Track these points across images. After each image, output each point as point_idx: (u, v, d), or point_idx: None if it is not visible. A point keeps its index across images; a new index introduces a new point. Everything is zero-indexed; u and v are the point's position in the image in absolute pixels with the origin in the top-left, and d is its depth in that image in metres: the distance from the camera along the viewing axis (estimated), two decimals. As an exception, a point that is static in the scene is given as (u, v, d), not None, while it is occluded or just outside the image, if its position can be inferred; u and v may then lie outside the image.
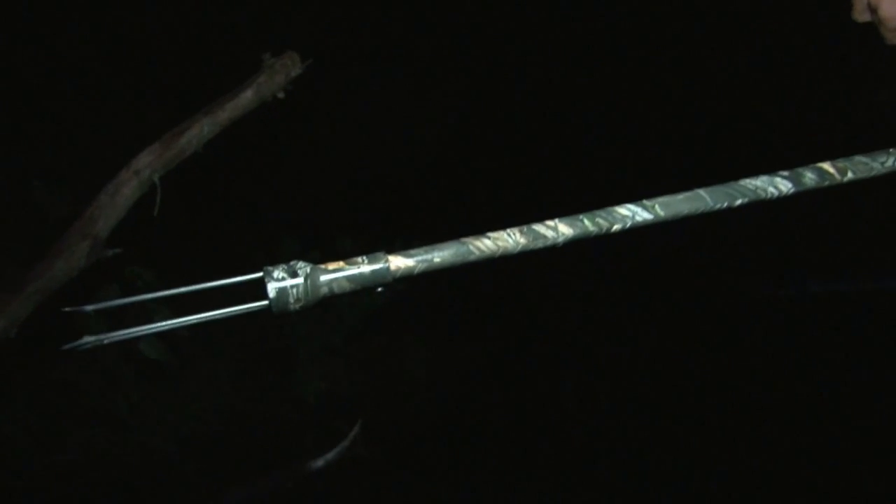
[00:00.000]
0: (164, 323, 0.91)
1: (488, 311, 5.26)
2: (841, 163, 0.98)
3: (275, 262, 0.90)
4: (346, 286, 0.90)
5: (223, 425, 4.07)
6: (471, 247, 0.91)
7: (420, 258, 0.91)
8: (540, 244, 0.92)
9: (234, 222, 4.53)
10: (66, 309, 0.92)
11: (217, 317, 0.91)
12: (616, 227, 0.93)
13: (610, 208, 0.94)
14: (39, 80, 3.56)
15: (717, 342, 4.84)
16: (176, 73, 3.50)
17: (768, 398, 4.47)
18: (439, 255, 0.91)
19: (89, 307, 0.88)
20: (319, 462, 3.46)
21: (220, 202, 4.38)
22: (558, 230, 0.92)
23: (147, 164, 2.24)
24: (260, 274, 0.88)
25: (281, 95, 2.56)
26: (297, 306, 0.88)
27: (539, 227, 0.93)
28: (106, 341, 0.88)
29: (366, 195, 4.94)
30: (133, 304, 0.96)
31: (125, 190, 2.19)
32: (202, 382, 4.24)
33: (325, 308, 4.71)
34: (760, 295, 5.05)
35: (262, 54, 2.54)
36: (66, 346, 0.89)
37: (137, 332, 0.89)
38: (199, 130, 2.37)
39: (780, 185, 0.96)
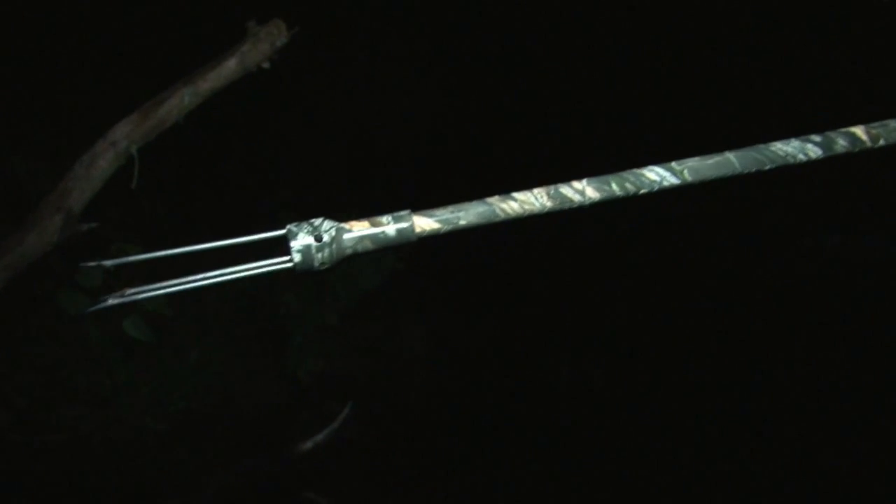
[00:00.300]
0: (186, 279, 0.87)
1: (487, 290, 5.18)
2: (875, 128, 0.93)
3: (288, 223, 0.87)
4: (370, 246, 0.87)
5: (215, 405, 4.00)
6: (496, 208, 0.88)
7: (445, 218, 0.88)
8: (566, 206, 0.90)
9: (222, 196, 4.43)
10: (86, 264, 0.89)
11: (240, 275, 0.87)
12: (643, 190, 0.90)
13: (638, 171, 0.91)
14: (16, 49, 3.44)
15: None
16: (156, 41, 3.38)
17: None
18: (464, 216, 0.88)
19: (108, 262, 0.87)
20: (308, 444, 3.38)
21: (208, 175, 4.29)
22: (585, 193, 0.89)
23: (124, 135, 2.14)
24: (283, 231, 0.85)
25: (266, 65, 2.46)
26: (321, 265, 0.86)
27: (565, 190, 0.89)
28: (128, 300, 0.86)
29: (359, 170, 4.84)
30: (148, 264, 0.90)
31: (101, 162, 2.10)
32: (195, 362, 4.17)
33: (320, 286, 4.64)
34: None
35: (246, 22, 2.45)
36: (90, 309, 0.87)
37: (159, 289, 0.86)
38: (180, 100, 2.28)
39: (810, 150, 0.92)
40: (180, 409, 3.70)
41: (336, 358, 4.58)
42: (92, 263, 0.89)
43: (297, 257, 0.85)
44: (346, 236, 0.86)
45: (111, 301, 0.85)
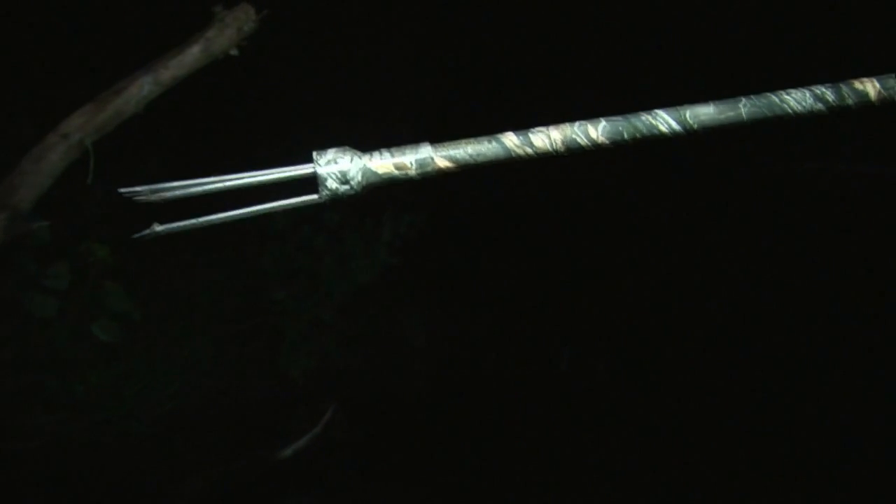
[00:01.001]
0: (224, 214, 0.87)
1: (485, 283, 5.01)
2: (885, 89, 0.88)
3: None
4: (390, 162, 0.88)
5: (205, 406, 3.86)
6: (506, 142, 0.89)
7: (460, 152, 0.89)
8: (570, 136, 0.89)
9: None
10: (123, 191, 0.87)
11: (271, 209, 0.88)
12: (663, 129, 0.89)
13: (644, 113, 0.89)
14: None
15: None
16: (114, 26, 3.19)
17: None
18: (479, 151, 0.89)
19: (146, 189, 0.86)
20: (288, 450, 3.22)
21: (174, 169, 4.14)
22: (588, 133, 0.89)
23: (78, 127, 1.99)
24: (311, 165, 0.86)
25: (234, 52, 2.30)
26: (347, 195, 0.87)
27: (574, 128, 0.90)
28: (176, 229, 0.87)
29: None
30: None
31: (51, 156, 1.94)
32: (183, 361, 4.04)
33: (313, 279, 4.49)
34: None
35: (212, 6, 2.29)
36: (136, 235, 0.88)
37: (190, 225, 0.87)
38: (139, 90, 2.12)
39: (821, 101, 0.89)
40: (167, 410, 3.56)
41: (331, 355, 4.43)
42: (129, 190, 0.87)
43: (324, 193, 0.86)
44: (369, 167, 0.87)
45: (157, 230, 0.85)
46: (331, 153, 0.87)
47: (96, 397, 3.09)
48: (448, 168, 0.89)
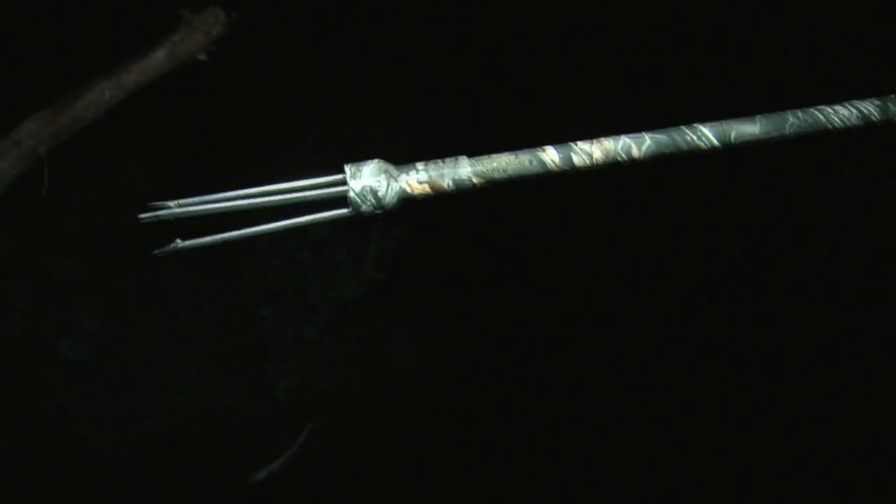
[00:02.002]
0: (251, 230, 0.84)
1: (478, 301, 4.86)
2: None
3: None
4: (426, 182, 0.84)
5: (185, 425, 3.70)
6: (541, 155, 0.85)
7: (499, 173, 0.86)
8: (612, 156, 0.86)
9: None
10: (143, 216, 0.84)
11: (299, 224, 0.84)
12: (703, 144, 0.86)
13: (681, 126, 0.86)
14: None
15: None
16: (74, 28, 3.04)
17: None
18: (519, 172, 0.86)
19: (172, 204, 0.83)
20: (261, 474, 3.05)
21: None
22: (632, 154, 0.86)
23: (31, 134, 1.85)
24: (342, 175, 0.83)
25: (202, 58, 2.17)
26: (377, 200, 0.83)
27: (608, 141, 0.86)
28: (200, 245, 0.83)
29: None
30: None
31: (2, 164, 1.81)
32: (164, 378, 3.88)
33: (298, 296, 4.35)
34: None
35: (179, 8, 2.16)
36: (158, 251, 0.85)
37: (227, 237, 0.84)
38: (99, 95, 1.98)
39: (866, 116, 0.87)
40: (143, 431, 3.40)
41: (316, 373, 4.28)
42: (158, 203, 0.83)
43: (354, 193, 0.82)
44: (401, 177, 0.84)
45: (180, 246, 0.83)
46: (363, 169, 0.83)
47: (72, 417, 2.93)
48: (486, 185, 0.86)
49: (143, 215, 0.83)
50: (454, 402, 4.47)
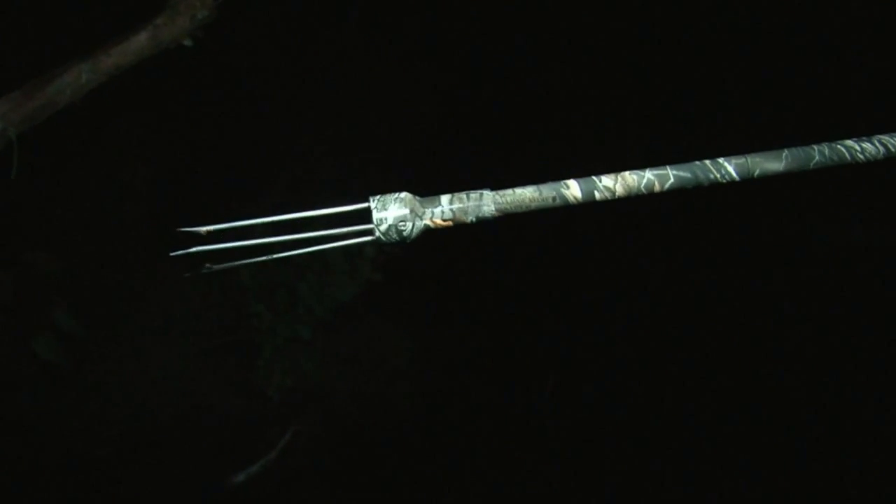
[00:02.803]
0: (278, 255, 0.87)
1: (467, 300, 4.73)
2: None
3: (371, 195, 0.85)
4: (449, 219, 0.85)
5: (173, 425, 3.59)
6: (564, 191, 0.85)
7: (514, 197, 0.85)
8: (634, 192, 0.85)
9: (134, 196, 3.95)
10: (183, 229, 0.86)
11: (325, 248, 0.86)
12: (714, 176, 0.85)
13: (706, 162, 0.86)
14: None
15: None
16: (53, 9, 2.92)
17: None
18: (535, 196, 0.85)
19: (203, 229, 0.85)
20: (240, 477, 2.93)
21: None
22: (654, 189, 0.85)
23: (1, 116, 1.75)
24: (367, 204, 0.84)
25: (188, 43, 2.06)
26: (401, 237, 0.84)
27: (630, 176, 0.85)
28: (226, 267, 0.86)
29: (332, 173, 4.42)
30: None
31: (-32, 146, 1.70)
32: (151, 377, 3.77)
33: (292, 295, 4.23)
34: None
35: (164, -9, 2.05)
36: (188, 274, 0.88)
37: (255, 260, 0.87)
38: (76, 78, 1.87)
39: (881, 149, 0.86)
40: (128, 430, 3.28)
41: (308, 373, 4.16)
42: (190, 230, 0.85)
43: (379, 232, 0.84)
44: (426, 209, 0.84)
45: (210, 268, 0.84)
46: (389, 204, 0.83)
47: (46, 417, 2.81)
48: (503, 206, 0.85)
49: (174, 253, 0.84)
50: (447, 406, 4.36)
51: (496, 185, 0.87)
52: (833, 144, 0.85)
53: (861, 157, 0.85)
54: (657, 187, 0.84)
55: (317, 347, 4.22)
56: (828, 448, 3.62)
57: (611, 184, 0.84)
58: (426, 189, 0.90)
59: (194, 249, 0.83)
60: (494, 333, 4.61)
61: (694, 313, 4.34)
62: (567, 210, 0.88)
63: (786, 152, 0.85)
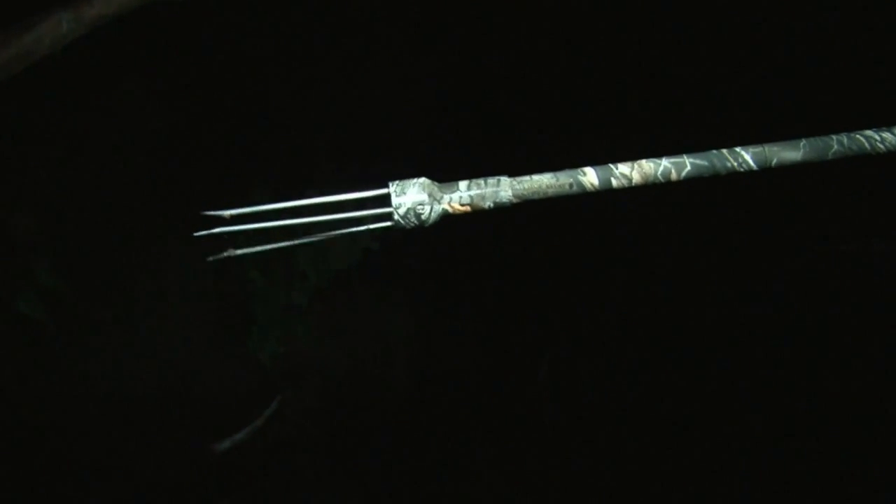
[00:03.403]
0: (298, 241, 0.89)
1: (477, 274, 4.62)
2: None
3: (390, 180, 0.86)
4: (467, 204, 0.85)
5: (160, 389, 3.49)
6: (581, 178, 0.84)
7: (531, 184, 0.85)
8: (651, 180, 0.85)
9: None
10: (208, 213, 0.87)
11: (344, 232, 0.87)
12: (742, 165, 0.83)
13: (722, 151, 0.84)
14: None
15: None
16: None
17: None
18: (552, 183, 0.85)
19: (227, 213, 0.85)
20: (225, 444, 2.83)
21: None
22: (670, 177, 0.84)
23: (-28, 65, 1.62)
24: (386, 189, 0.84)
25: (179, -7, 1.92)
26: (420, 222, 0.84)
27: (647, 164, 0.84)
28: (250, 254, 0.89)
29: (335, 143, 4.28)
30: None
31: (-65, 96, 1.58)
32: (140, 342, 3.67)
33: (287, 262, 4.12)
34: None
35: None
36: (211, 258, 0.89)
37: (276, 247, 0.89)
38: (56, 27, 1.73)
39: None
40: (114, 394, 3.19)
41: (303, 341, 4.07)
42: (213, 213, 0.86)
43: (398, 215, 0.84)
44: (444, 195, 0.85)
45: (232, 253, 0.86)
46: (408, 189, 0.84)
47: (32, 381, 2.72)
48: (520, 193, 0.86)
49: (198, 233, 0.85)
50: (444, 378, 4.27)
51: (511, 174, 0.87)
52: (852, 134, 0.84)
53: (881, 146, 0.83)
54: (674, 175, 0.84)
55: (312, 316, 4.12)
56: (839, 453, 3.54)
57: (627, 171, 0.84)
58: (442, 176, 0.90)
59: (217, 230, 0.83)
60: (495, 306, 4.51)
61: (694, 308, 4.24)
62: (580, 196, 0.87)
63: (804, 142, 0.83)
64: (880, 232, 3.99)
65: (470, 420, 4.04)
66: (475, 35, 4.40)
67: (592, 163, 0.86)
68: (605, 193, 0.87)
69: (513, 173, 0.87)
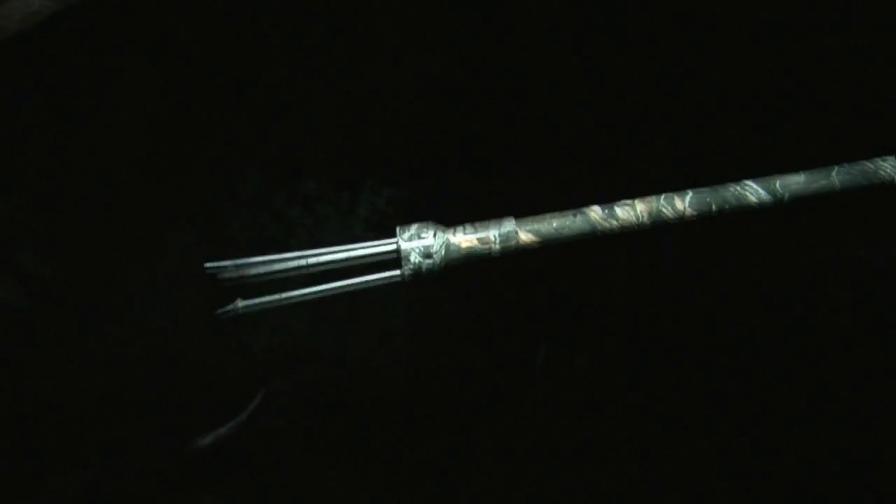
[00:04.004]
0: (304, 291, 0.87)
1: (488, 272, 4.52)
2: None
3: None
4: (477, 251, 0.84)
5: (149, 378, 3.43)
6: (591, 215, 0.83)
7: (547, 232, 0.84)
8: (662, 217, 0.83)
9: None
10: (208, 265, 0.85)
11: (352, 287, 0.86)
12: (752, 200, 0.82)
13: (732, 184, 0.84)
14: None
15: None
16: None
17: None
18: (564, 226, 0.84)
19: (229, 264, 0.84)
20: (207, 439, 2.76)
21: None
22: (676, 208, 0.83)
23: (-63, 40, 1.54)
24: (394, 240, 0.83)
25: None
26: (429, 275, 0.84)
27: (660, 201, 0.83)
28: (258, 306, 0.87)
29: (330, 131, 4.20)
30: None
31: None
32: (132, 328, 3.61)
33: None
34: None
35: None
36: (220, 311, 0.86)
37: (273, 301, 0.87)
38: (27, 3, 1.66)
39: None
40: (102, 382, 3.12)
41: (297, 332, 4.00)
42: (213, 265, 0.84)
43: (406, 269, 0.83)
44: (452, 240, 0.84)
45: (240, 306, 0.83)
46: (414, 228, 0.83)
47: (13, 366, 2.65)
48: (531, 243, 0.84)
49: (208, 264, 0.82)
50: (440, 369, 4.20)
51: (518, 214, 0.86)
52: (855, 163, 0.83)
53: (888, 168, 0.82)
54: (679, 204, 0.82)
55: (306, 305, 4.05)
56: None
57: (630, 201, 0.83)
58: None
59: (225, 275, 0.80)
60: (491, 296, 4.43)
61: (692, 305, 4.16)
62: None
63: (804, 171, 0.83)
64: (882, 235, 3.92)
65: (465, 412, 3.97)
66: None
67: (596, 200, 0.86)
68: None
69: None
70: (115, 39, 3.70)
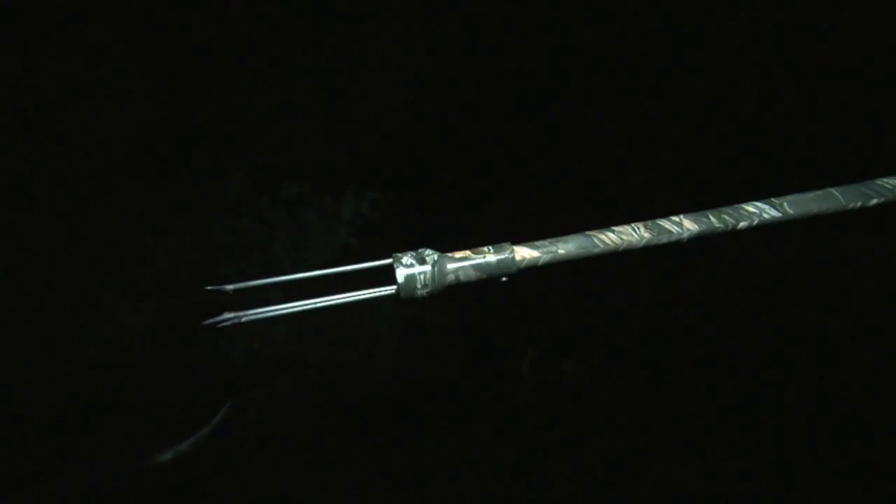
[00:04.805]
0: (294, 304, 0.86)
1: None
2: None
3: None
4: (472, 275, 0.83)
5: (124, 384, 3.30)
6: (595, 240, 0.83)
7: (545, 249, 0.83)
8: (664, 240, 0.83)
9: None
10: (209, 287, 0.87)
11: (345, 301, 0.84)
12: (742, 224, 0.84)
13: (737, 205, 0.84)
14: None
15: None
16: None
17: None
18: (564, 248, 0.83)
19: (229, 288, 0.85)
20: (167, 455, 2.63)
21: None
22: (683, 226, 0.83)
23: None
24: (389, 260, 0.82)
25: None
26: (424, 293, 0.82)
27: (664, 223, 0.83)
28: (244, 319, 0.84)
29: (313, 135, 4.10)
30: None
31: None
32: (111, 334, 3.48)
33: (265, 255, 3.94)
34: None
35: None
36: (207, 322, 0.84)
37: (268, 312, 0.85)
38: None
39: None
40: (72, 389, 3.00)
41: (278, 338, 3.89)
42: (213, 287, 0.85)
43: (401, 283, 0.82)
44: (448, 265, 0.83)
45: (227, 317, 0.81)
46: (410, 255, 0.82)
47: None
48: (531, 258, 0.83)
49: (209, 287, 0.83)
50: (425, 376, 4.09)
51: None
52: (859, 183, 0.84)
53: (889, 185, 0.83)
54: (683, 234, 0.82)
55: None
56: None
57: (631, 226, 0.82)
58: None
59: (225, 288, 0.81)
60: (478, 301, 4.33)
61: (690, 303, 4.08)
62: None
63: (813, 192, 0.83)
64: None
65: (452, 416, 3.86)
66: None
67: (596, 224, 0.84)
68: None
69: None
70: (100, 41, 3.61)
